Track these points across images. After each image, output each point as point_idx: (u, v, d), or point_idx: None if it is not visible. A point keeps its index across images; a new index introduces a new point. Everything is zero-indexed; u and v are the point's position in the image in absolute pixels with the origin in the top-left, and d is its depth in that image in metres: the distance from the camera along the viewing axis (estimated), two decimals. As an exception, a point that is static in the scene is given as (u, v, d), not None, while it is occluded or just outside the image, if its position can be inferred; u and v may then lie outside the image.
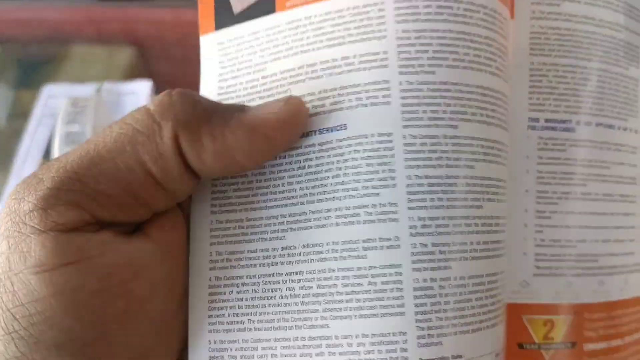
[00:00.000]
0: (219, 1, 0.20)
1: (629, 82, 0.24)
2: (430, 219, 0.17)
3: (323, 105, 0.18)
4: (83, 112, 0.49)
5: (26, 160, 0.54)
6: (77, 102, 0.50)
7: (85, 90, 0.56)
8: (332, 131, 0.18)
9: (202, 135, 0.16)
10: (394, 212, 0.17)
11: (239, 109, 0.17)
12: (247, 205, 0.18)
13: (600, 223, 0.23)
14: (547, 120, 0.22)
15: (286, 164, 0.18)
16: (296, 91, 0.19)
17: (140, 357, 0.16)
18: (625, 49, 0.24)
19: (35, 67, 0.61)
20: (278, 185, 0.18)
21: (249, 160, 0.17)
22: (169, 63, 0.63)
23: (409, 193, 0.17)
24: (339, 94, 0.18)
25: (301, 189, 0.18)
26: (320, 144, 0.18)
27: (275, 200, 0.18)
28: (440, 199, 0.17)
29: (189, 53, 0.62)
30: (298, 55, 0.19)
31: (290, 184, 0.18)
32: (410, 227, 0.17)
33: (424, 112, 0.18)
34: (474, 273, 0.18)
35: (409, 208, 0.17)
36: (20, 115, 0.57)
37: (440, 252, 0.17)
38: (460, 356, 0.17)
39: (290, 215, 0.18)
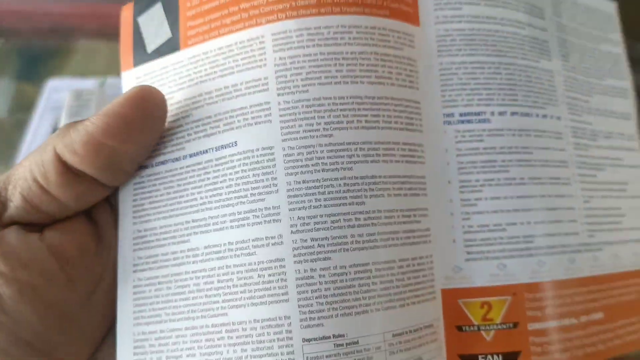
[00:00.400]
0: (136, 42, 0.24)
1: (542, 74, 0.25)
2: (309, 217, 0.20)
3: (218, 126, 0.21)
4: (86, 105, 0.49)
5: (29, 152, 0.56)
6: (80, 96, 0.50)
7: (89, 84, 0.56)
8: (225, 148, 0.21)
9: (71, 132, 0.19)
10: (277, 214, 0.20)
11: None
12: (159, 215, 0.21)
13: (530, 205, 0.24)
14: (461, 114, 0.23)
15: (190, 177, 0.21)
16: (197, 115, 0.21)
17: (47, 344, 0.19)
18: (532, 43, 0.25)
19: (38, 61, 0.62)
20: (183, 196, 0.21)
21: (114, 139, 0.19)
22: None
23: (289, 197, 0.20)
24: (230, 116, 0.21)
25: (201, 198, 0.20)
26: (216, 159, 0.21)
27: (181, 208, 0.21)
28: (317, 200, 0.20)
29: None
30: (198, 85, 0.22)
31: (192, 194, 0.21)
32: (291, 226, 0.19)
33: (300, 126, 0.20)
34: (356, 262, 0.20)
35: (290, 209, 0.20)
36: (22, 108, 0.57)
37: (319, 245, 0.19)
38: (342, 335, 0.19)
39: (193, 221, 0.20)
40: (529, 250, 0.23)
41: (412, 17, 0.23)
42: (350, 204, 0.20)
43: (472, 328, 0.22)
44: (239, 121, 0.21)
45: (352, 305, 0.19)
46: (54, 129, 0.56)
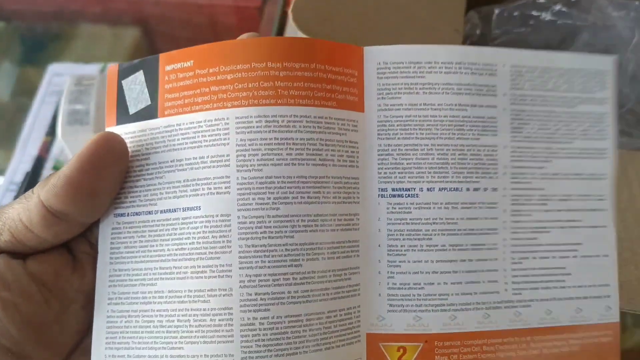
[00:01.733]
0: (120, 102, 0.28)
1: (481, 149, 0.29)
2: (255, 275, 0.25)
3: (186, 191, 0.26)
4: (87, 91, 0.50)
5: (30, 138, 0.55)
6: (81, 81, 0.50)
7: (90, 69, 0.57)
8: (191, 210, 0.26)
9: (51, 179, 0.23)
10: (229, 271, 0.25)
11: None
12: (132, 259, 0.26)
13: (449, 268, 0.28)
14: (393, 189, 0.28)
15: (160, 230, 0.26)
16: (169, 178, 0.26)
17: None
18: (473, 123, 0.29)
19: (40, 45, 0.61)
20: (153, 246, 0.25)
21: (86, 176, 0.23)
22: (174, 43, 0.61)
23: (240, 257, 0.25)
24: (196, 184, 0.26)
25: (168, 249, 0.26)
26: (183, 219, 0.26)
27: (151, 256, 0.25)
28: (263, 262, 0.25)
29: (194, 33, 0.63)
30: (171, 152, 0.26)
31: (161, 245, 0.26)
32: (240, 282, 0.25)
33: (253, 199, 0.26)
34: (290, 313, 0.25)
35: (240, 268, 0.25)
36: (24, 92, 0.57)
37: (261, 299, 0.25)
38: None
39: (160, 268, 0.26)
40: (443, 306, 0.28)
41: (357, 105, 0.28)
42: (289, 265, 0.26)
43: (388, 367, 0.28)
44: (203, 189, 0.25)
45: (284, 349, 0.25)
46: (55, 114, 0.55)
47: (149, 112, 0.28)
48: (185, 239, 0.26)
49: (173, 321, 0.26)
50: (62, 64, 0.58)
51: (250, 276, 0.25)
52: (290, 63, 0.27)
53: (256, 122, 0.26)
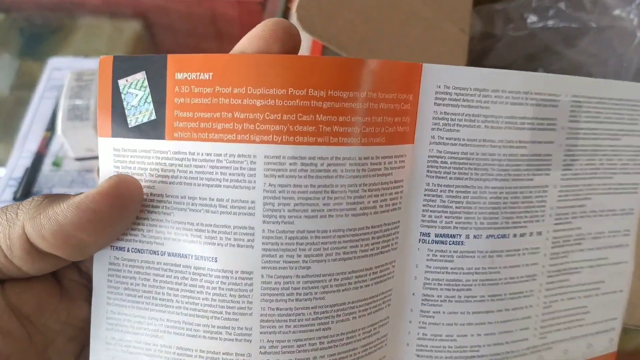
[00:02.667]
0: (115, 108, 0.22)
1: (533, 191, 0.26)
2: (278, 341, 0.22)
3: (200, 237, 0.22)
4: (87, 87, 0.49)
5: (29, 133, 0.55)
6: (81, 77, 0.50)
7: (90, 64, 0.55)
8: (205, 260, 0.22)
9: (41, 217, 0.20)
10: (249, 335, 0.22)
11: (79, 194, 0.20)
12: (134, 304, 0.23)
13: (484, 319, 0.26)
14: (437, 235, 0.25)
15: (167, 276, 0.22)
16: (179, 217, 0.22)
17: None
18: (531, 161, 0.25)
19: (40, 38, 0.61)
20: (159, 293, 0.22)
21: (83, 233, 0.20)
22: (175, 36, 0.63)
23: (262, 321, 0.22)
24: (213, 231, 0.22)
25: (177, 301, 0.22)
26: (195, 268, 0.22)
27: (157, 305, 0.22)
28: (287, 326, 0.22)
29: (195, 26, 0.63)
30: (182, 185, 0.21)
31: (168, 294, 0.22)
32: (260, 347, 0.22)
33: (281, 256, 0.21)
34: None
35: (261, 332, 0.22)
36: (24, 85, 0.57)
37: None
38: None
39: (167, 320, 0.22)
40: (473, 358, 0.26)
41: (407, 137, 0.23)
42: (317, 330, 0.22)
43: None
44: (221, 238, 0.22)
45: None
46: (55, 109, 0.55)
47: (153, 130, 0.22)
48: (198, 292, 0.22)
49: None
50: (62, 58, 0.57)
51: (273, 342, 0.22)
52: (337, 92, 0.21)
53: (290, 164, 0.21)
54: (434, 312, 0.25)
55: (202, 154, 0.21)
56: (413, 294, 0.25)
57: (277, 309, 0.22)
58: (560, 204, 0.26)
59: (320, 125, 0.21)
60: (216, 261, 0.22)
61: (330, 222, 0.22)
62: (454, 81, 0.23)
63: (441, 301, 0.25)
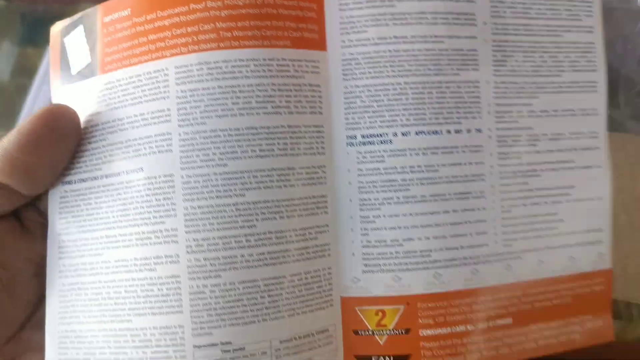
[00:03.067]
0: (63, 61, 0.26)
1: (462, 86, 0.25)
2: (203, 239, 0.22)
3: (129, 152, 0.24)
4: None
5: None
6: None
7: None
8: (134, 172, 0.23)
9: None
10: (175, 236, 0.23)
11: None
12: (80, 228, 0.24)
13: (430, 222, 0.25)
14: (363, 136, 0.25)
15: (104, 196, 0.24)
16: (111, 140, 0.24)
17: None
18: (452, 56, 0.25)
19: (41, 24, 0.60)
20: (99, 213, 0.24)
21: (25, 154, 0.22)
22: None
23: (186, 220, 0.23)
24: (138, 143, 0.23)
25: (114, 216, 0.24)
26: (126, 182, 0.24)
27: (97, 224, 0.24)
28: (211, 224, 0.23)
29: None
30: (112, 111, 0.24)
31: (106, 212, 0.24)
32: (187, 247, 0.23)
33: (197, 156, 0.23)
34: (244, 279, 0.23)
35: (186, 232, 0.23)
36: (25, 71, 0.57)
37: (211, 264, 0.22)
38: (229, 342, 0.22)
39: (106, 237, 0.24)
40: (425, 264, 0.25)
41: (317, 43, 0.25)
42: (241, 227, 0.23)
43: (367, 332, 0.25)
44: (144, 149, 0.23)
45: (239, 317, 0.23)
46: None
47: (89, 71, 0.25)
48: (129, 204, 0.23)
49: (120, 292, 0.23)
50: None
51: (198, 240, 0.23)
52: (232, 1, 0.23)
53: (197, 70, 0.23)
54: (374, 217, 0.25)
55: (126, 78, 0.24)
56: (350, 200, 0.25)
57: (199, 207, 0.23)
58: (500, 101, 0.26)
59: (221, 32, 0.23)
60: (142, 170, 0.23)
61: (241, 120, 0.23)
62: None
63: (379, 204, 0.25)
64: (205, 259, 0.22)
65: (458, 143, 0.25)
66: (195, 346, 0.22)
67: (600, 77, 0.27)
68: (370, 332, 0.25)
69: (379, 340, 0.25)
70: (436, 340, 0.25)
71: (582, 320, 0.27)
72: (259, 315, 0.23)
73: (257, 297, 0.23)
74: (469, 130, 0.25)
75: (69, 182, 0.25)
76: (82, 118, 0.25)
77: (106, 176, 0.24)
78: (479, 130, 0.25)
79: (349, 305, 0.25)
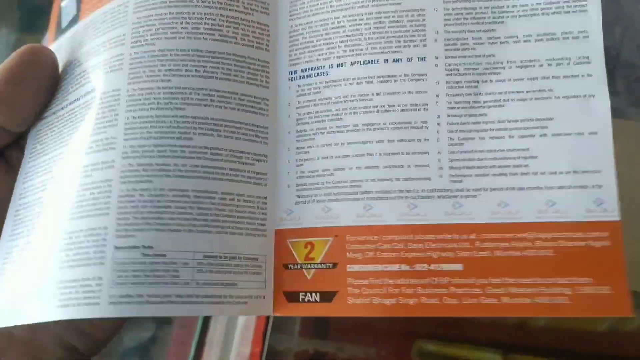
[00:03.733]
0: (58, 22, 0.30)
1: (402, 15, 0.25)
2: (139, 146, 0.24)
3: (88, 77, 0.25)
4: None
5: None
6: None
7: None
8: (90, 93, 0.25)
9: None
10: (114, 143, 0.24)
11: None
12: (41, 152, 0.26)
13: (362, 151, 0.24)
14: (303, 70, 0.26)
15: (66, 120, 0.25)
16: (79, 69, 0.26)
17: None
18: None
19: (38, 11, 0.59)
20: (60, 136, 0.25)
21: (7, 87, 0.24)
22: None
23: (126, 129, 0.24)
24: (94, 67, 0.26)
25: (69, 135, 0.25)
26: (84, 103, 0.25)
27: (55, 146, 0.25)
28: (149, 132, 0.24)
29: None
30: (83, 47, 0.26)
31: (63, 134, 0.25)
32: (123, 153, 0.24)
33: (144, 72, 0.25)
34: (175, 187, 0.23)
35: (124, 139, 0.24)
36: None
37: (144, 170, 0.23)
38: (151, 247, 0.23)
39: (60, 154, 0.25)
40: (355, 194, 0.24)
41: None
42: (177, 138, 0.24)
43: (296, 266, 0.24)
44: (100, 71, 0.25)
45: (165, 223, 0.23)
46: None
47: (74, 20, 0.30)
48: (80, 121, 0.25)
49: (61, 202, 0.24)
50: None
51: (134, 147, 0.24)
52: None
53: (152, 0, 0.26)
54: (308, 147, 0.25)
55: (97, 17, 0.27)
56: (289, 133, 0.25)
57: (140, 117, 0.24)
58: (451, 29, 0.25)
59: None
60: (95, 90, 0.25)
61: (188, 42, 0.25)
62: None
63: (313, 134, 0.25)
64: (139, 165, 0.23)
65: (396, 72, 0.24)
66: (116, 247, 0.22)
67: None
68: (299, 266, 0.24)
69: (306, 274, 0.24)
70: (364, 277, 0.23)
71: (575, 283, 0.22)
72: (185, 225, 0.23)
73: (186, 207, 0.23)
74: (409, 59, 0.24)
75: (45, 117, 0.26)
76: (68, 62, 0.27)
77: (70, 103, 0.26)
78: (422, 59, 0.24)
79: (281, 237, 0.24)
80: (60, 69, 0.28)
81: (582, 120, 0.23)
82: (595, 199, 0.22)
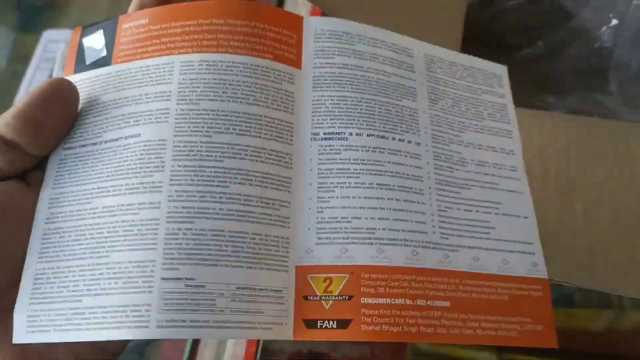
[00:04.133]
0: (79, 56, 0.32)
1: (404, 109, 0.32)
2: (183, 191, 0.27)
3: (129, 122, 0.29)
4: None
5: None
6: None
7: None
8: (132, 137, 0.28)
9: (5, 112, 0.26)
10: (160, 187, 0.27)
11: None
12: (73, 182, 0.28)
13: (375, 205, 0.29)
14: (325, 133, 0.30)
15: (102, 157, 0.28)
16: (115, 113, 0.29)
17: None
18: (396, 87, 0.32)
19: (36, 11, 0.61)
20: (95, 170, 0.27)
21: (36, 111, 0.26)
22: None
23: (172, 175, 0.27)
24: (139, 115, 0.29)
25: (107, 171, 0.27)
26: (124, 145, 0.28)
27: (91, 179, 0.27)
28: (192, 180, 0.27)
29: None
30: (119, 91, 0.29)
31: (101, 169, 0.28)
32: (169, 196, 0.27)
33: (189, 127, 0.28)
34: (213, 228, 0.26)
35: (170, 184, 0.27)
36: (20, 58, 0.58)
37: (187, 212, 0.26)
38: (193, 279, 0.26)
39: (98, 188, 0.27)
40: (370, 239, 0.28)
41: (295, 62, 0.31)
42: (216, 185, 0.27)
43: (315, 298, 0.28)
44: (144, 119, 0.28)
45: (205, 259, 0.26)
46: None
47: (104, 61, 0.31)
48: (124, 161, 0.28)
49: (103, 233, 0.27)
50: (57, 30, 0.59)
51: (179, 192, 0.27)
52: (232, 20, 0.31)
53: (198, 65, 0.30)
54: (329, 197, 0.29)
55: (137, 67, 0.30)
56: (310, 184, 0.30)
57: (185, 166, 0.27)
58: (435, 127, 0.32)
59: (220, 41, 0.30)
60: (140, 136, 0.28)
61: (227, 105, 0.29)
62: (327, 27, 0.33)
63: (334, 187, 0.29)
64: (183, 207, 0.27)
65: (401, 148, 0.31)
66: (162, 278, 0.25)
67: (513, 128, 0.34)
68: (318, 298, 0.28)
69: (325, 305, 0.28)
70: (376, 308, 0.27)
71: (521, 321, 0.29)
72: (222, 260, 0.26)
73: (222, 245, 0.26)
74: (409, 142, 0.31)
75: (70, 148, 0.29)
76: (91, 97, 0.30)
77: (105, 142, 0.29)
78: (417, 144, 0.31)
79: (302, 273, 0.28)
80: (85, 102, 0.30)
81: (518, 207, 0.32)
82: (532, 262, 0.31)
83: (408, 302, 0.28)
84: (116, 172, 0.28)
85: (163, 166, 0.27)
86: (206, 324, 0.25)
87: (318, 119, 0.31)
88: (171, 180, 0.27)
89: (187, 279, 0.26)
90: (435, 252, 0.29)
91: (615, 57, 0.38)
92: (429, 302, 0.28)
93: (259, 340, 0.37)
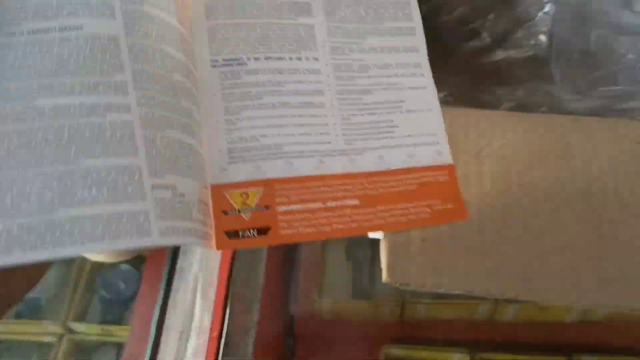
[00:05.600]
0: None
1: (299, 27, 0.33)
2: (150, 97, 0.26)
3: (62, 13, 0.25)
4: None
5: None
6: None
7: None
8: (71, 30, 0.25)
9: None
10: (126, 88, 0.25)
11: None
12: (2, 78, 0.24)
13: (280, 122, 0.31)
14: (224, 60, 0.32)
15: (30, 48, 0.24)
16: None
17: None
18: (290, 6, 0.34)
19: None
20: (27, 62, 0.24)
21: None
22: None
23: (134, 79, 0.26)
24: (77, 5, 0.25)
25: (50, 65, 0.24)
26: (60, 38, 0.25)
27: (26, 74, 0.24)
28: (153, 87, 0.26)
29: None
30: None
31: (36, 63, 0.24)
32: (137, 99, 0.25)
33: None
34: (178, 139, 0.27)
35: (134, 89, 0.25)
36: None
37: (159, 119, 0.26)
38: (175, 187, 0.26)
39: (39, 85, 0.24)
40: (278, 155, 0.31)
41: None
42: (172, 97, 0.28)
43: (234, 212, 0.30)
44: (83, 10, 0.25)
45: (179, 168, 0.26)
46: None
47: None
48: (68, 56, 0.25)
49: (63, 136, 0.23)
50: None
51: (146, 97, 0.26)
52: None
53: None
54: (235, 119, 0.31)
55: None
56: (216, 108, 0.31)
57: (144, 70, 0.26)
58: (332, 40, 0.34)
59: None
60: (82, 28, 0.25)
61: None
62: None
63: (239, 110, 0.31)
64: (153, 113, 0.26)
65: (300, 66, 0.33)
66: (152, 185, 0.25)
67: (417, 24, 0.36)
68: (236, 211, 0.30)
69: (244, 217, 0.30)
70: (291, 214, 0.30)
71: (431, 204, 0.32)
72: (188, 171, 0.27)
73: (187, 156, 0.28)
74: (307, 58, 0.33)
75: None
76: None
77: (28, 32, 0.25)
78: (316, 59, 0.33)
79: (218, 190, 0.30)
80: None
81: (421, 102, 0.34)
82: (436, 150, 0.34)
83: (319, 205, 0.31)
84: (61, 68, 0.24)
85: (122, 67, 0.26)
86: (189, 232, 0.26)
87: (216, 47, 0.32)
88: (135, 82, 0.25)
89: (172, 187, 0.26)
90: (340, 159, 0.32)
91: (556, 45, 0.36)
92: (338, 203, 0.31)
93: (220, 337, 0.39)
